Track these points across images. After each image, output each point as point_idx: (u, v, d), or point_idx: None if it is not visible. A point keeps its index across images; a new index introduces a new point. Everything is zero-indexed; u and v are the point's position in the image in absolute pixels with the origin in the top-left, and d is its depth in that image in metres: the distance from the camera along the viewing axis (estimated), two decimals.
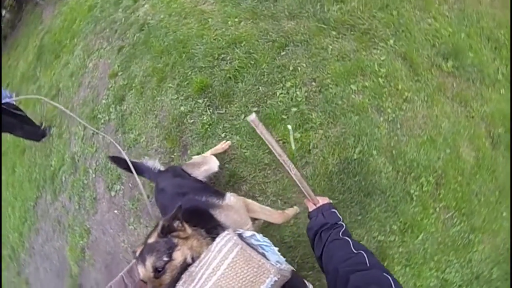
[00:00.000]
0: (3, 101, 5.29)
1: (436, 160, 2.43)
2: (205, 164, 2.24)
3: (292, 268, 1.04)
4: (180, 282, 0.96)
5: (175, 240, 1.11)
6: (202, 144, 2.81)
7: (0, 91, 3.60)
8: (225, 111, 2.83)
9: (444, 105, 2.61)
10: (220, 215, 1.45)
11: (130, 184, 3.24)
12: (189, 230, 1.18)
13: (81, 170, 3.67)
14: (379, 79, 2.66)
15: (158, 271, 1.05)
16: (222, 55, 3.04)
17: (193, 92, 2.97)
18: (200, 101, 2.94)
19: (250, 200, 1.86)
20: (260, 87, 2.78)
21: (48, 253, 3.89)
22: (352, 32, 2.86)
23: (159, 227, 1.14)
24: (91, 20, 4.70)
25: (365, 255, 0.92)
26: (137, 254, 1.14)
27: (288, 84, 2.72)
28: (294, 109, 2.64)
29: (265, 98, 2.73)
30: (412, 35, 2.82)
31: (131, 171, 2.01)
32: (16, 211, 4.42)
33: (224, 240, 0.98)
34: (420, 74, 2.68)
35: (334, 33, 2.86)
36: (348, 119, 2.55)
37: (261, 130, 1.05)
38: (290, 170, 1.08)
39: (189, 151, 2.90)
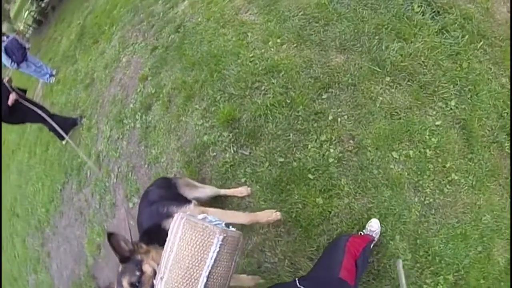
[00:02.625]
0: (44, 78, 5.17)
1: (463, 257, 1.93)
2: (200, 189, 2.10)
3: (240, 232, 1.03)
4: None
5: (139, 257, 1.17)
6: (220, 185, 2.39)
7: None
8: (250, 153, 2.36)
9: (492, 195, 2.02)
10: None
11: None
12: (143, 246, 1.23)
13: (104, 170, 3.44)
14: (427, 150, 2.06)
15: (135, 286, 1.10)
16: (256, 84, 2.50)
17: (219, 123, 2.51)
18: (225, 134, 2.48)
19: (211, 209, 1.73)
20: (291, 134, 2.26)
21: (69, 237, 3.86)
22: (409, 82, 2.20)
23: (118, 259, 1.17)
24: (131, 8, 4.24)
25: None
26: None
27: (323, 137, 2.18)
28: (323, 170, 2.13)
29: (294, 148, 2.23)
30: (479, 97, 2.13)
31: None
32: (45, 189, 4.41)
33: (174, 220, 0.99)
34: (476, 151, 2.06)
35: (388, 79, 2.21)
36: (380, 193, 2.04)
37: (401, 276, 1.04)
38: None
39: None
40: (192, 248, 0.90)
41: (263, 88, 2.48)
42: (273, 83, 2.44)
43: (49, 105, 5.04)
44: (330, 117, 2.22)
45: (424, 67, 2.22)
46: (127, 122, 3.31)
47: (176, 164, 2.74)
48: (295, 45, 2.52)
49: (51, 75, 5.16)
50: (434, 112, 2.14)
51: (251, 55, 2.63)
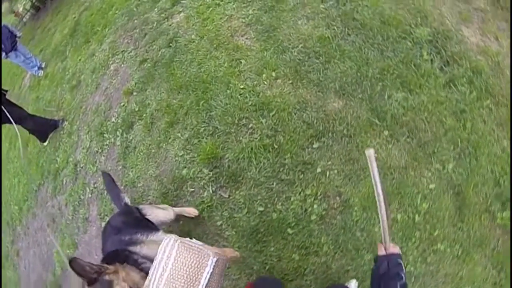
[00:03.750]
0: (32, 70, 4.79)
1: None
2: (163, 211, 1.96)
3: (227, 257, 1.06)
4: None
5: (107, 277, 1.05)
6: (195, 225, 2.14)
7: None
8: (229, 196, 2.11)
9: (476, 266, 1.82)
10: (142, 249, 1.34)
11: None
12: (111, 266, 1.11)
13: (80, 182, 3.15)
14: (416, 216, 1.86)
15: None
16: (244, 120, 2.24)
17: (200, 159, 2.25)
18: (205, 171, 2.22)
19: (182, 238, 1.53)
20: (274, 183, 2.01)
21: (39, 241, 3.58)
22: (408, 139, 1.97)
23: (86, 282, 1.05)
24: (126, 12, 3.89)
25: None
26: None
27: (308, 191, 1.95)
28: (303, 225, 1.90)
29: (276, 199, 1.99)
30: (478, 162, 1.92)
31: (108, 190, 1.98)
32: (21, 186, 4.10)
33: (165, 243, 0.97)
34: (466, 220, 1.85)
35: (386, 133, 1.98)
36: (360, 256, 1.83)
37: (373, 169, 0.90)
38: (382, 212, 0.90)
39: (181, 222, 2.25)
40: (187, 269, 0.91)
41: (250, 126, 2.22)
42: (261, 122, 2.18)
43: (34, 99, 4.69)
44: (319, 170, 1.98)
45: (426, 123, 1.99)
46: (108, 136, 3.01)
47: (152, 193, 2.47)
48: (290, 81, 2.26)
49: (39, 68, 4.80)
50: (430, 174, 1.93)
51: (242, 87, 2.36)
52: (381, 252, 0.95)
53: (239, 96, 2.31)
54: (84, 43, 4.23)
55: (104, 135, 3.06)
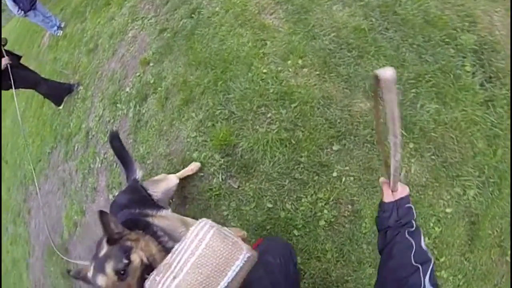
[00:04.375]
0: (51, 30, 4.66)
1: None
2: (164, 181, 1.92)
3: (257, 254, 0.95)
4: (155, 272, 0.88)
5: (128, 243, 1.01)
6: (201, 210, 2.06)
7: None
8: (238, 187, 2.00)
9: None
10: (154, 221, 1.33)
11: None
12: (133, 233, 1.07)
13: (90, 151, 3.11)
14: (426, 238, 1.71)
15: (121, 274, 0.94)
16: (263, 109, 2.07)
17: (212, 144, 2.12)
18: (217, 157, 2.10)
19: (188, 218, 1.61)
20: (287, 181, 1.88)
21: (50, 203, 3.64)
22: (433, 157, 1.77)
23: (104, 239, 1.01)
24: None
25: (421, 275, 0.72)
26: (89, 272, 0.99)
27: (321, 194, 1.81)
28: (310, 229, 1.80)
29: (286, 197, 1.86)
30: (501, 194, 1.73)
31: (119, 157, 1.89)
32: (35, 147, 4.13)
33: (200, 226, 0.93)
34: (475, 251, 1.70)
35: (411, 146, 1.78)
36: (362, 269, 1.72)
37: (391, 97, 0.69)
38: (396, 149, 0.78)
39: (187, 206, 2.18)
40: (217, 258, 0.88)
41: (269, 115, 2.05)
42: (281, 113, 2.00)
43: (52, 59, 4.60)
44: (335, 174, 1.82)
45: (456, 143, 1.78)
46: (121, 107, 2.91)
47: (161, 171, 2.38)
48: (317, 72, 2.04)
49: (58, 27, 4.65)
50: (448, 197, 1.75)
51: (264, 71, 2.16)
52: (388, 198, 0.82)
53: (260, 81, 2.12)
54: (104, 5, 4.02)
55: (117, 105, 2.95)
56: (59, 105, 3.70)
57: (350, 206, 1.79)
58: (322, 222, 1.79)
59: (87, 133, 3.23)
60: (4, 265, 4.40)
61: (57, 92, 3.60)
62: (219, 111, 2.20)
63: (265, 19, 2.43)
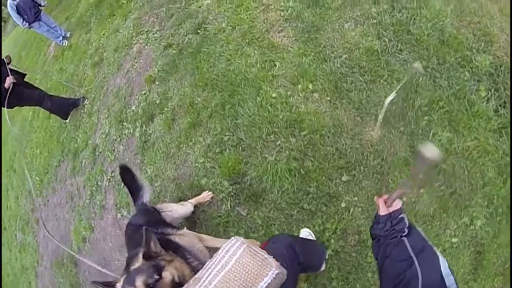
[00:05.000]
0: (56, 40, 4.63)
1: None
2: (181, 207, 1.95)
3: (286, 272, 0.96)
4: (185, 286, 0.92)
5: (162, 263, 1.06)
6: (211, 234, 2.02)
7: None
8: (247, 214, 1.96)
9: None
10: (176, 238, 1.41)
11: None
12: (168, 255, 1.12)
13: (98, 168, 3.09)
14: None
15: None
16: (272, 136, 2.00)
17: (221, 171, 2.07)
18: (226, 184, 2.05)
19: (204, 235, 1.69)
20: (295, 211, 1.83)
21: (58, 216, 3.65)
22: (442, 187, 1.70)
23: (140, 254, 1.07)
24: None
25: (417, 266, 0.76)
26: (118, 283, 1.03)
27: (328, 225, 1.77)
28: None
29: (294, 226, 1.83)
30: (508, 224, 1.65)
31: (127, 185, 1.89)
32: (42, 158, 4.12)
33: (232, 243, 0.96)
34: (478, 280, 1.64)
35: (421, 176, 1.69)
36: None
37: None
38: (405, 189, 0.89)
39: (196, 230, 2.13)
40: (246, 274, 0.89)
41: (278, 143, 1.98)
42: (291, 142, 1.93)
43: (58, 70, 4.58)
44: (343, 205, 1.77)
45: (466, 173, 1.70)
46: (127, 126, 2.86)
47: (169, 195, 2.35)
48: (329, 98, 1.96)
49: (64, 37, 4.61)
50: (455, 227, 1.68)
51: (273, 95, 2.09)
52: (384, 211, 0.89)
53: (269, 107, 2.05)
54: (109, 16, 3.95)
55: (124, 123, 2.91)
56: (65, 119, 3.68)
57: (356, 236, 1.74)
58: (329, 251, 1.75)
59: (94, 150, 3.20)
60: (13, 272, 4.47)
61: (62, 108, 3.57)
62: (227, 137, 2.14)
63: (273, 37, 2.34)
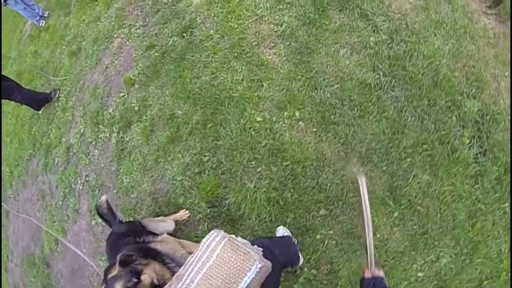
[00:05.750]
0: (33, 19, 4.23)
1: None
2: (163, 223, 1.93)
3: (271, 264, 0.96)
4: (168, 285, 0.89)
5: (139, 267, 1.07)
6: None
7: None
8: None
9: None
10: (156, 245, 1.41)
11: None
12: (145, 260, 1.13)
13: (71, 169, 2.93)
14: None
15: None
16: (253, 163, 1.93)
17: (199, 192, 1.99)
18: (203, 205, 2.00)
19: (183, 241, 1.69)
20: None
21: (29, 212, 3.44)
22: (415, 227, 1.75)
23: (117, 261, 1.07)
24: None
25: None
26: None
27: (303, 254, 1.77)
28: (289, 285, 1.78)
29: None
30: (471, 263, 1.74)
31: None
32: (13, 148, 3.83)
33: (212, 237, 0.92)
34: None
35: (395, 215, 1.77)
36: None
37: (364, 192, 0.96)
38: (369, 237, 0.97)
39: None
40: (228, 269, 0.86)
41: (259, 170, 1.91)
42: (272, 170, 1.87)
43: (32, 52, 4.21)
44: (318, 237, 1.77)
45: (439, 215, 1.76)
46: (103, 129, 2.69)
47: (146, 209, 2.26)
48: (315, 129, 1.88)
49: (41, 17, 4.22)
50: (422, 262, 1.75)
51: (258, 119, 1.99)
52: (367, 275, 1.03)
53: (253, 132, 1.95)
54: (91, 1, 3.63)
55: (100, 126, 2.73)
56: (38, 110, 3.44)
57: (329, 266, 1.77)
58: (301, 279, 1.77)
59: (68, 149, 3.02)
60: None
61: (34, 102, 3.32)
62: (207, 158, 2.05)
63: (264, 53, 2.20)
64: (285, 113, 1.95)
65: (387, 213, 1.76)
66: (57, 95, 3.32)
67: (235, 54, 2.25)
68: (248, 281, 0.86)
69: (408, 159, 1.76)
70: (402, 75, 1.87)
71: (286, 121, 1.94)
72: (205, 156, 2.06)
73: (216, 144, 2.04)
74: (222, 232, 0.93)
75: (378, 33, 1.99)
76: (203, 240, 0.93)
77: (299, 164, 1.83)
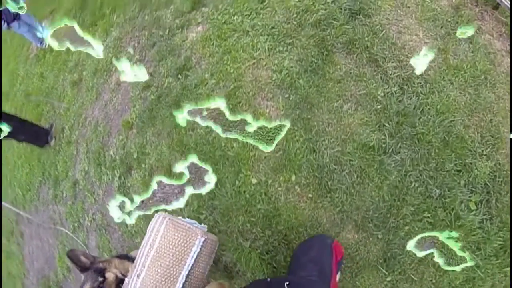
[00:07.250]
0: (36, 42, 4.24)
1: None
2: None
3: (217, 237, 1.01)
4: (128, 276, 0.94)
5: (100, 265, 1.12)
6: None
7: None
8: None
9: None
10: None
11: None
12: (103, 258, 1.21)
13: (79, 205, 3.04)
14: None
15: None
16: (247, 225, 1.92)
17: None
18: None
19: None
20: None
21: (42, 238, 3.60)
22: None
23: (79, 270, 1.15)
24: (139, 1, 3.16)
25: None
26: None
27: None
28: None
29: None
30: None
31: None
32: (24, 172, 3.95)
33: (155, 219, 0.96)
34: None
35: (388, 279, 1.75)
36: None
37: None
38: None
39: None
40: (173, 247, 0.89)
41: (254, 231, 1.90)
42: (265, 234, 1.86)
43: (39, 74, 4.28)
44: None
45: (433, 281, 1.71)
46: (105, 171, 2.74)
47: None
48: (311, 195, 1.83)
49: (42, 43, 4.23)
50: None
51: (254, 182, 1.95)
52: None
53: (248, 196, 1.92)
54: (91, 26, 3.55)
55: (102, 167, 2.78)
56: (42, 146, 3.55)
57: None
58: None
59: (74, 185, 3.11)
60: None
61: (37, 140, 3.42)
62: (204, 216, 2.05)
63: (260, 106, 2.12)
64: (281, 177, 1.90)
65: (380, 278, 1.71)
66: (53, 129, 3.39)
67: (231, 106, 2.17)
68: (195, 255, 0.89)
69: (406, 227, 1.69)
70: (410, 135, 1.76)
71: (282, 185, 1.90)
72: (202, 214, 2.06)
73: (212, 203, 2.04)
74: (164, 213, 0.95)
75: (388, 83, 1.84)
76: (149, 224, 0.96)
77: (293, 229, 1.81)
